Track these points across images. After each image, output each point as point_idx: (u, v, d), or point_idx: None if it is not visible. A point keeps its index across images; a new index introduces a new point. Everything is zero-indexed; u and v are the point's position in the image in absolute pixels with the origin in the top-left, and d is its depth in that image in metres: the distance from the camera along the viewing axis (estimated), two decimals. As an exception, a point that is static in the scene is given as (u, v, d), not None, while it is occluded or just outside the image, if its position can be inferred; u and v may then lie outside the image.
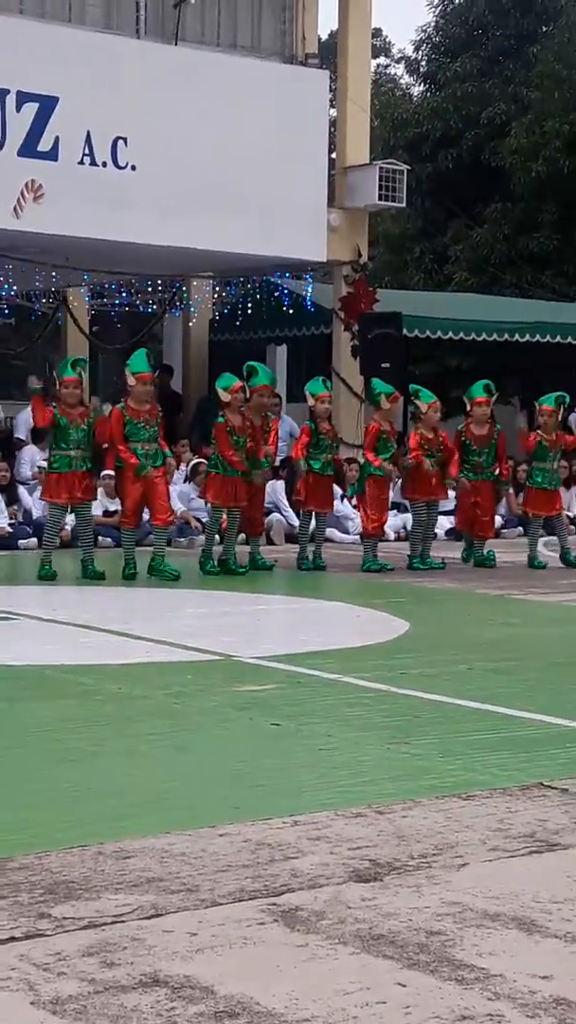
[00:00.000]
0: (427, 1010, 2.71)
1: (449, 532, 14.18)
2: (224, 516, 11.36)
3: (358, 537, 12.71)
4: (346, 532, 14.50)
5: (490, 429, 12.32)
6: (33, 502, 13.63)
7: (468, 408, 12.33)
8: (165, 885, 3.42)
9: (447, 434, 12.34)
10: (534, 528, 12.59)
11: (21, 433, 15.96)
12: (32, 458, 14.64)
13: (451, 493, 13.03)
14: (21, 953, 2.97)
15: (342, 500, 14.28)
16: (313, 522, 11.94)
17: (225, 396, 11.20)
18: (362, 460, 12.24)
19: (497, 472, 12.37)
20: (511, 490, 15.90)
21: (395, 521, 15.14)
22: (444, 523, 14.12)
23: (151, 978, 2.84)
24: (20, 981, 2.82)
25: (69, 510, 11.12)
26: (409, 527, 15.36)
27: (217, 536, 11.44)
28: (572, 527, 15.67)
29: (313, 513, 11.89)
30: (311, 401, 11.81)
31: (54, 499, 10.84)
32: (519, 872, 3.60)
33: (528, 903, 3.35)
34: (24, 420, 15.34)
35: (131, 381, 10.82)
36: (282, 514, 14.47)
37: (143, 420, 10.72)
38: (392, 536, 14.64)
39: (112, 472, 11.77)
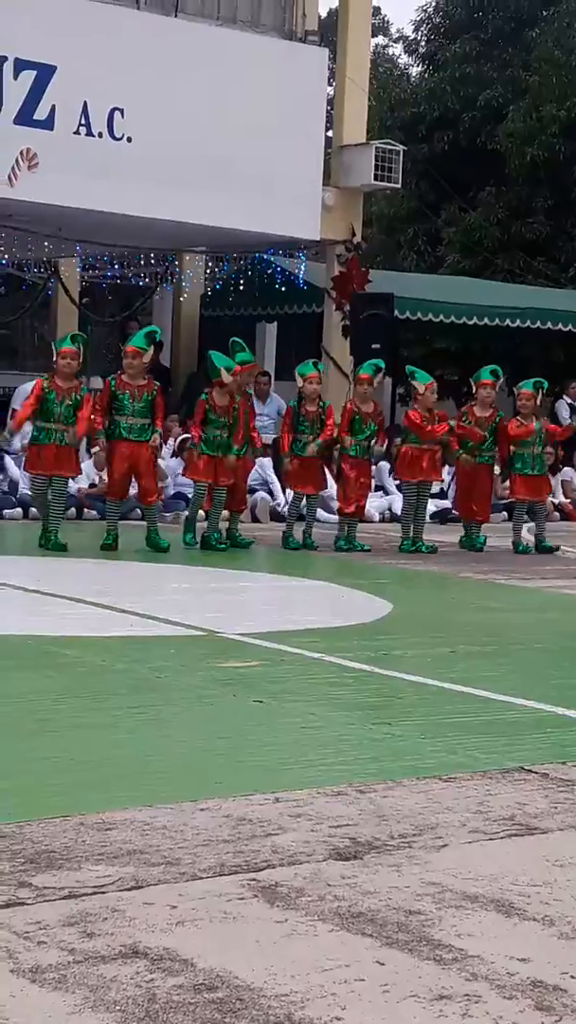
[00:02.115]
0: (405, 988, 2.72)
1: (434, 516, 14.18)
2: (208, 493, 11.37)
3: (337, 515, 12.70)
4: (332, 512, 14.50)
5: (493, 413, 12.35)
6: (21, 475, 13.60)
7: (474, 391, 12.37)
8: (146, 857, 3.43)
9: (444, 414, 12.39)
10: (519, 513, 12.63)
11: (18, 404, 15.90)
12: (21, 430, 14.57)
13: (446, 476, 13.06)
14: (1, 921, 2.98)
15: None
16: (303, 503, 11.94)
17: (227, 377, 11.14)
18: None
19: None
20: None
21: (380, 503, 15.16)
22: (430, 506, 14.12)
23: (131, 949, 2.85)
24: (0, 949, 2.83)
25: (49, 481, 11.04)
26: (394, 509, 15.42)
27: (202, 511, 11.44)
28: (556, 513, 15.71)
29: (304, 494, 11.91)
30: (299, 381, 11.80)
31: (36, 471, 10.84)
32: (498, 855, 3.62)
33: (507, 886, 3.36)
34: (22, 392, 15.25)
35: (124, 354, 10.89)
36: (270, 491, 14.47)
37: (131, 394, 10.71)
38: (376, 517, 14.66)
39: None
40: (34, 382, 11.42)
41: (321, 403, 11.93)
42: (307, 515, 11.96)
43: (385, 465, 15.48)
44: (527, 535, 12.61)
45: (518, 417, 12.50)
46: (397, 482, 15.30)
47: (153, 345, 11.07)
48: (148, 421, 10.79)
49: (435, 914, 3.14)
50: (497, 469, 13.04)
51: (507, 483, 13.18)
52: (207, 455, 11.13)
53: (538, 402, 12.57)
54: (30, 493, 11.67)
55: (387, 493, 15.53)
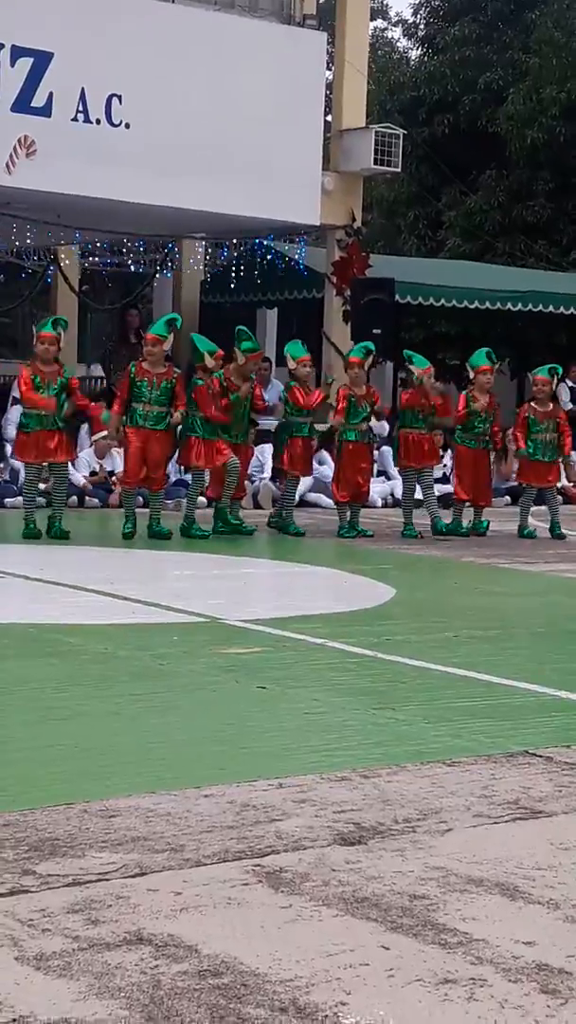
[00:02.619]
0: (410, 973, 2.72)
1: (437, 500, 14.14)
2: (207, 478, 11.36)
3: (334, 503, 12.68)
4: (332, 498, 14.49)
5: (491, 397, 12.33)
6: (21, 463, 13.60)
7: (472, 376, 12.33)
8: (150, 844, 3.43)
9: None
10: (526, 498, 12.59)
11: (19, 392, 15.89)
12: (17, 418, 14.55)
13: (447, 461, 13.03)
14: (6, 909, 2.98)
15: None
16: (274, 485, 11.96)
17: (210, 361, 11.16)
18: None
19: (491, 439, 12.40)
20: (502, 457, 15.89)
21: (382, 488, 15.15)
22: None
23: (135, 936, 2.85)
24: (5, 937, 2.83)
25: (48, 468, 11.02)
26: (396, 494, 15.40)
27: (203, 498, 11.44)
28: (559, 497, 15.69)
29: (299, 478, 11.91)
30: (292, 364, 11.78)
31: (25, 458, 10.83)
32: (503, 838, 3.62)
33: (511, 869, 3.36)
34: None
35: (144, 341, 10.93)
36: (273, 478, 14.45)
37: (149, 381, 10.71)
38: (379, 503, 14.64)
39: (105, 433, 11.74)
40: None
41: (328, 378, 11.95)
42: (285, 499, 11.95)
43: (388, 450, 15.45)
44: (534, 520, 12.59)
45: (533, 403, 12.48)
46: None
47: (173, 332, 11.06)
48: (166, 409, 10.77)
49: (440, 898, 3.14)
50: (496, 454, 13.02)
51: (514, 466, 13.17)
52: (203, 439, 11.10)
53: (554, 387, 12.54)
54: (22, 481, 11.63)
55: (389, 478, 15.51)
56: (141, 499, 11.33)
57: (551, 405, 12.49)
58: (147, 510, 11.00)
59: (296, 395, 11.67)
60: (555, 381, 12.51)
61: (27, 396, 10.57)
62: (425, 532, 11.87)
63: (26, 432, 10.67)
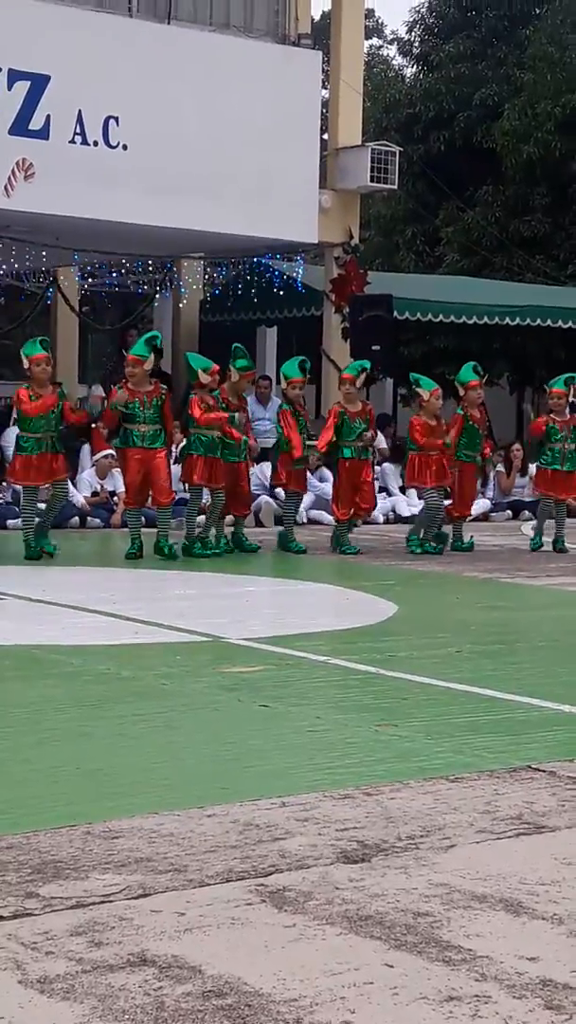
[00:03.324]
0: (414, 991, 2.71)
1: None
2: (206, 496, 11.36)
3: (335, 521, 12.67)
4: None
5: (483, 410, 12.34)
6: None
7: (462, 393, 12.31)
8: (153, 865, 3.42)
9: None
10: (543, 509, 12.53)
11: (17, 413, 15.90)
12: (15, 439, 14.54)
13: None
14: (9, 932, 2.97)
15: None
16: (275, 503, 11.96)
17: (205, 378, 11.17)
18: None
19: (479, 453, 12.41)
20: (502, 470, 15.92)
21: (384, 504, 15.15)
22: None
23: (139, 958, 2.85)
24: (8, 960, 2.82)
25: (52, 485, 11.00)
26: (398, 510, 15.41)
27: (201, 516, 11.45)
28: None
29: (300, 494, 11.91)
30: (283, 384, 11.80)
31: (23, 481, 10.80)
32: (506, 854, 3.61)
33: (515, 885, 3.36)
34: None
35: (126, 363, 10.91)
36: (272, 495, 14.46)
37: (140, 401, 10.72)
38: (380, 519, 14.65)
39: (109, 452, 11.75)
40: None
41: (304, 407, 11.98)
42: (286, 515, 11.96)
43: (389, 467, 15.46)
44: (528, 530, 12.56)
45: (551, 414, 12.49)
46: (403, 486, 15.29)
47: (154, 351, 11.05)
48: (160, 427, 10.80)
49: (443, 915, 3.14)
50: (500, 466, 13.04)
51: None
52: (202, 456, 11.11)
53: (570, 398, 12.53)
54: (21, 503, 11.60)
55: (390, 494, 15.52)
56: (144, 519, 11.33)
57: (569, 415, 12.49)
58: (153, 529, 10.99)
59: (286, 419, 11.66)
60: (571, 392, 12.50)
61: (26, 409, 10.55)
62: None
63: (24, 454, 10.66)
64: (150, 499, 11.11)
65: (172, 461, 14.30)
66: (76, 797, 4.06)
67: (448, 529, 12.15)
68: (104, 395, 19.70)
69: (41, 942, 2.92)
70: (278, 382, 17.73)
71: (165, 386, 11.25)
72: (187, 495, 11.83)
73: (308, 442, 11.77)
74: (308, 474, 12.52)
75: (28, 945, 2.90)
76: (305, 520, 14.19)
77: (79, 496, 13.74)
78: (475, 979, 2.78)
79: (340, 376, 12.10)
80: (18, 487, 13.66)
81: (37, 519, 10.70)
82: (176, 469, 14.06)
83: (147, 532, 11.02)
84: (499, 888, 3.33)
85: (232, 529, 11.72)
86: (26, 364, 10.73)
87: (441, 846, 3.65)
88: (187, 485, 11.61)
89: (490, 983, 2.76)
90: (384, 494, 15.37)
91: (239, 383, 11.52)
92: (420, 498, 12.76)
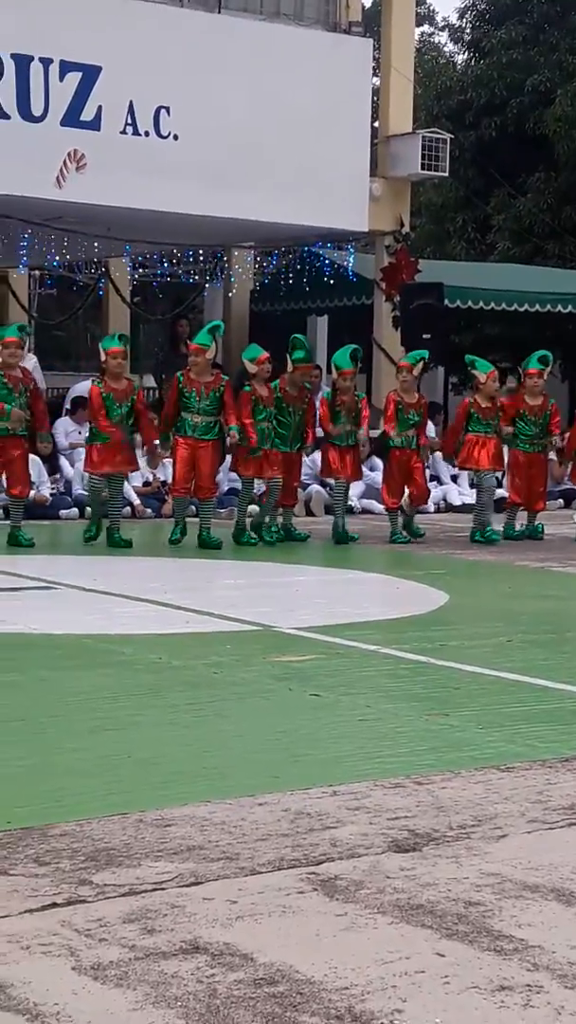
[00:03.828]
0: (466, 980, 2.72)
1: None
2: (256, 486, 11.36)
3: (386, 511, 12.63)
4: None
5: (544, 400, 12.26)
6: (74, 474, 13.68)
7: (522, 380, 12.29)
8: (205, 853, 3.44)
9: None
10: None
11: (68, 404, 15.98)
12: (66, 428, 14.64)
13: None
14: (63, 919, 3.00)
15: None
16: (328, 492, 11.90)
17: (252, 367, 11.19)
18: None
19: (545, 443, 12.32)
20: (555, 458, 15.80)
21: (435, 493, 15.10)
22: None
23: (191, 945, 2.86)
24: (62, 947, 2.85)
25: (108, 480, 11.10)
26: (449, 499, 15.36)
27: (251, 507, 11.46)
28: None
29: (342, 481, 11.85)
30: (334, 374, 11.76)
31: (95, 471, 10.86)
32: (558, 844, 3.60)
33: (567, 875, 3.35)
34: (77, 390, 15.26)
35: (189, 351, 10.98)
36: (323, 484, 14.45)
37: (198, 391, 10.74)
38: (432, 508, 14.60)
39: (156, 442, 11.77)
40: (87, 383, 11.48)
41: (357, 394, 11.87)
42: (337, 504, 11.89)
43: (439, 454, 15.39)
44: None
45: None
46: (454, 472, 15.23)
47: (216, 341, 11.08)
48: (214, 419, 10.78)
49: (495, 905, 3.13)
50: (553, 455, 12.92)
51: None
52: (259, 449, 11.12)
53: None
54: (86, 493, 11.71)
55: (441, 483, 15.47)
56: (194, 508, 11.36)
57: None
58: (197, 519, 11.03)
59: (323, 409, 11.65)
60: None
61: (101, 425, 10.68)
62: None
63: (99, 444, 10.74)
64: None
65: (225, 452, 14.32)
66: (128, 785, 4.08)
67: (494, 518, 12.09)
68: (156, 386, 19.81)
69: (94, 929, 2.95)
70: (329, 371, 17.77)
71: (226, 377, 11.25)
72: (238, 485, 11.85)
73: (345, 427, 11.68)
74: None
75: (82, 932, 2.93)
76: (359, 508, 14.17)
77: (128, 487, 13.80)
78: (527, 969, 2.77)
79: (398, 364, 12.04)
80: (69, 477, 13.80)
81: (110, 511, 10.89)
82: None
83: (193, 521, 11.05)
84: (551, 878, 3.32)
85: (281, 519, 11.72)
86: (103, 357, 10.81)
87: (492, 835, 3.64)
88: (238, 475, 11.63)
89: (542, 973, 2.75)
90: (435, 483, 15.32)
91: (294, 375, 11.47)
92: (473, 484, 12.66)
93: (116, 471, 10.91)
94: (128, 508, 13.63)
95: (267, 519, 11.44)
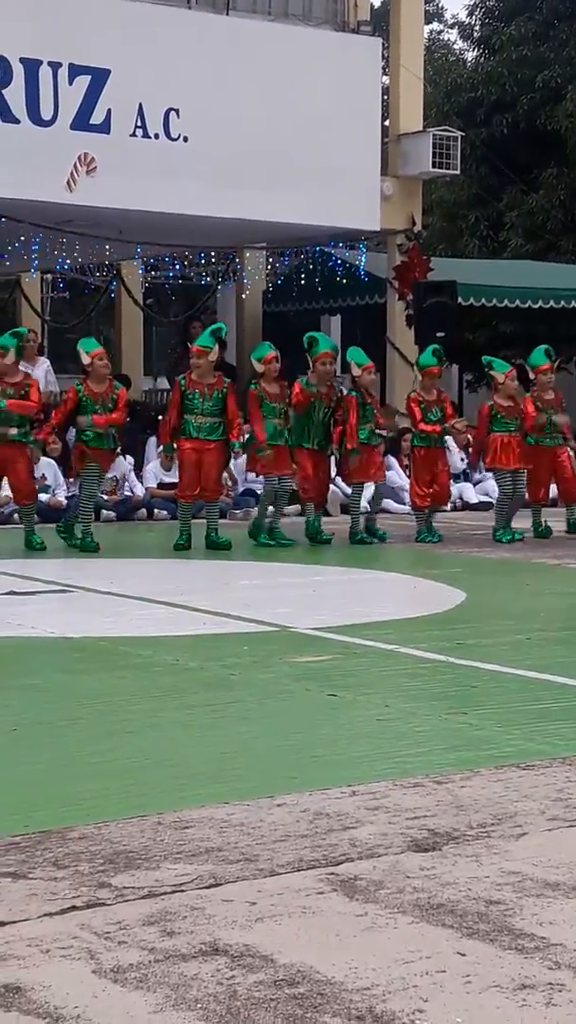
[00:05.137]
0: (487, 979, 2.70)
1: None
2: (276, 484, 11.34)
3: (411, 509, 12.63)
4: (402, 503, 14.45)
5: (557, 394, 12.26)
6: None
7: (532, 377, 12.26)
8: (224, 855, 3.43)
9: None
10: None
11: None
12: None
13: None
14: (82, 922, 2.99)
15: (407, 471, 14.18)
16: (368, 493, 11.84)
17: (259, 367, 11.19)
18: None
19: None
20: (571, 454, 15.73)
21: (451, 491, 15.07)
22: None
23: (211, 947, 2.85)
24: (81, 950, 2.84)
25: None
26: (465, 497, 15.33)
27: (270, 507, 11.44)
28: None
29: (364, 484, 11.81)
30: (356, 371, 11.69)
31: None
32: (579, 842, 3.58)
33: (588, 873, 3.33)
34: None
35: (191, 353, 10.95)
36: (337, 486, 14.43)
37: (201, 393, 10.73)
38: (448, 507, 14.56)
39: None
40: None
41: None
42: (371, 504, 11.87)
43: (455, 450, 15.36)
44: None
45: None
46: (478, 475, 15.19)
47: (219, 343, 11.07)
48: (218, 420, 10.78)
49: (515, 903, 3.12)
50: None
51: None
52: (270, 446, 11.10)
53: None
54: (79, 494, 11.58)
55: (457, 481, 15.44)
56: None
57: None
58: (203, 521, 11.01)
59: (352, 406, 11.59)
60: None
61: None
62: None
63: (88, 445, 10.75)
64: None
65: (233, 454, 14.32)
66: (147, 787, 4.08)
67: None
68: (169, 388, 19.81)
69: (114, 932, 2.94)
70: (342, 371, 17.75)
71: (229, 379, 11.25)
72: (254, 486, 11.85)
73: (377, 431, 11.70)
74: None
75: (101, 935, 2.92)
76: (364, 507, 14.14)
77: (140, 488, 13.81)
78: (548, 967, 2.76)
79: (426, 368, 11.93)
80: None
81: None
82: (240, 461, 14.12)
83: (199, 524, 11.03)
84: (572, 875, 3.30)
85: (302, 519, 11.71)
86: (87, 360, 10.76)
87: (512, 834, 3.63)
88: (255, 476, 11.63)
89: (564, 971, 2.74)
90: (453, 480, 15.29)
91: (316, 369, 11.40)
92: (498, 481, 12.56)
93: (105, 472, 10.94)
94: (144, 510, 13.67)
95: (271, 519, 11.38)
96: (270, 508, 11.48)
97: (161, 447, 11.25)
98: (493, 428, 11.84)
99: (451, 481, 14.67)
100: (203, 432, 10.76)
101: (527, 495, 12.14)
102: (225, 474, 12.16)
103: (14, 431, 10.50)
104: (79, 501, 11.05)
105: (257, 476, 11.62)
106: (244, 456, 13.52)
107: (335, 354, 11.83)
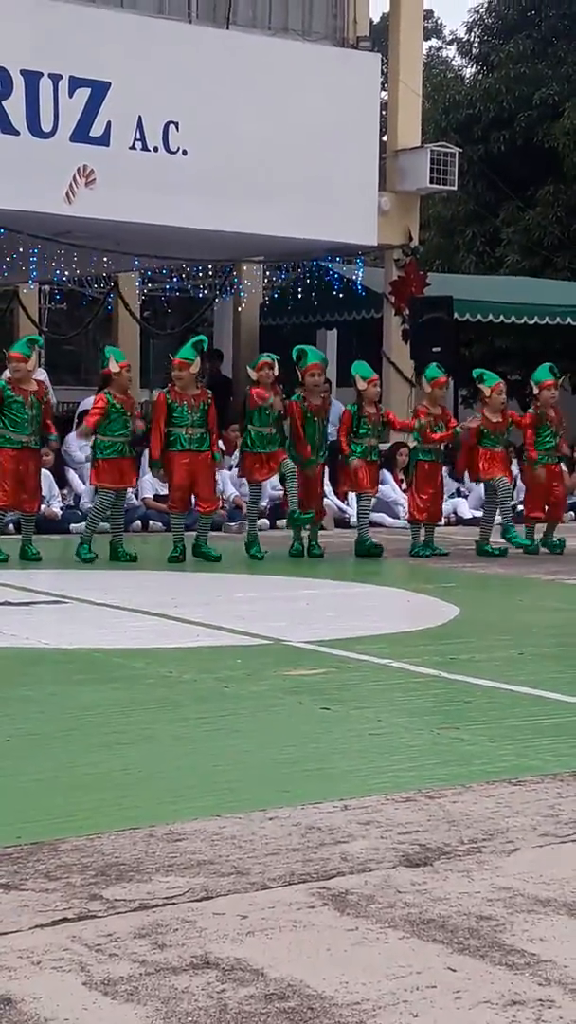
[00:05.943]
0: (477, 995, 2.70)
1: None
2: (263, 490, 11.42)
3: (407, 522, 12.66)
4: (396, 517, 14.47)
5: (559, 411, 12.31)
6: (86, 487, 13.70)
7: (536, 392, 12.32)
8: (216, 868, 3.43)
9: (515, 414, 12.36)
10: None
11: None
12: (80, 443, 14.64)
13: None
14: (73, 934, 2.99)
15: (401, 485, 14.22)
16: (355, 504, 11.94)
17: (253, 374, 11.23)
18: (412, 445, 12.22)
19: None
20: (566, 469, 15.77)
21: (445, 506, 15.09)
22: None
23: (202, 960, 2.85)
24: (72, 962, 2.84)
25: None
26: (459, 512, 15.34)
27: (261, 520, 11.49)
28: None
29: (357, 495, 11.87)
30: (362, 384, 11.71)
31: (105, 484, 10.89)
32: (570, 858, 3.58)
33: (579, 889, 3.33)
34: (91, 403, 15.26)
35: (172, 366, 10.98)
36: (331, 499, 14.45)
37: (188, 405, 10.76)
38: (442, 521, 14.58)
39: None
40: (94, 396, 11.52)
41: (379, 406, 12.00)
42: (360, 516, 11.92)
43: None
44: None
45: None
46: (462, 485, 15.21)
47: (200, 355, 11.10)
48: (206, 430, 10.84)
49: (506, 919, 3.12)
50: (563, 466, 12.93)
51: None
52: (255, 453, 11.14)
53: None
54: (95, 501, 11.67)
55: (450, 496, 15.46)
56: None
57: None
58: (217, 533, 11.04)
59: (345, 422, 11.70)
60: None
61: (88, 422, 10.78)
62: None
63: (107, 459, 10.76)
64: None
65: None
66: (139, 800, 4.08)
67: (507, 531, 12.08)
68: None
69: (105, 944, 2.94)
70: (339, 384, 17.77)
71: (210, 391, 11.30)
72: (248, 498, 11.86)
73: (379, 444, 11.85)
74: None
75: (92, 947, 2.92)
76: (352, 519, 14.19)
77: (135, 500, 13.81)
78: (539, 983, 2.76)
79: (433, 380, 11.97)
80: (80, 492, 13.82)
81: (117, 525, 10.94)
82: (234, 475, 14.14)
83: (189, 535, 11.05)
84: (563, 892, 3.31)
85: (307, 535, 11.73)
86: (116, 369, 10.79)
87: (504, 850, 3.63)
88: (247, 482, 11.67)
89: (554, 987, 2.74)
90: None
91: (306, 380, 11.45)
92: (491, 488, 12.59)
93: (121, 485, 10.95)
94: (139, 522, 13.67)
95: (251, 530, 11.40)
96: (263, 521, 11.53)
97: (151, 463, 11.27)
98: (481, 443, 11.89)
99: (445, 498, 14.74)
100: (194, 444, 10.80)
101: (526, 511, 12.23)
102: (219, 487, 12.22)
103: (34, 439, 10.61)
104: (89, 515, 11.14)
105: (250, 483, 11.63)
106: (233, 467, 13.56)
107: (324, 366, 11.88)
